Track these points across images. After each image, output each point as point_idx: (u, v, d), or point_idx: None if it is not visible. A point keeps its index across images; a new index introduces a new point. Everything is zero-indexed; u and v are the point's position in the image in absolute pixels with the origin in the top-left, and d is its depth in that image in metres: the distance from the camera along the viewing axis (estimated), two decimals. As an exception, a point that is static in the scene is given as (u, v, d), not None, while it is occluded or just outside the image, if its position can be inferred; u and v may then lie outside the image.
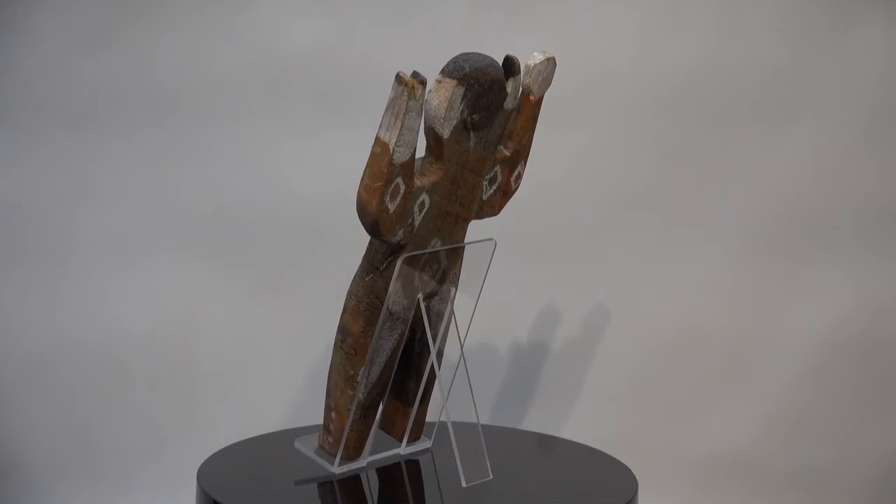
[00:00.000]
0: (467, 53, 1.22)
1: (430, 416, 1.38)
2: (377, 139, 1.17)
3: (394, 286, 1.22)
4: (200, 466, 1.30)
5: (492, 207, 1.31)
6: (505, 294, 1.72)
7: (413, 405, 1.33)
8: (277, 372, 1.73)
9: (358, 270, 1.24)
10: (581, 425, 1.74)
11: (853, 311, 1.73)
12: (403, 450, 1.35)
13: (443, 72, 1.21)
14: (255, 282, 1.73)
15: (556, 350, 1.75)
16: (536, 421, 1.73)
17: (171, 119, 1.71)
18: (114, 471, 1.71)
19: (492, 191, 1.30)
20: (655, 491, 1.70)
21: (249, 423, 1.64)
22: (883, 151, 1.72)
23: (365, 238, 1.24)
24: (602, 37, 1.71)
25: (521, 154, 1.31)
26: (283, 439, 1.38)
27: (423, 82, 1.17)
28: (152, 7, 1.69)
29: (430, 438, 1.37)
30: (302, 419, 1.67)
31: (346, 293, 1.25)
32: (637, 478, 1.33)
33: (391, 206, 1.18)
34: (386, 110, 1.17)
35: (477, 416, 1.29)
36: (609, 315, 1.74)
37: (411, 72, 1.18)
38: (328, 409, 1.26)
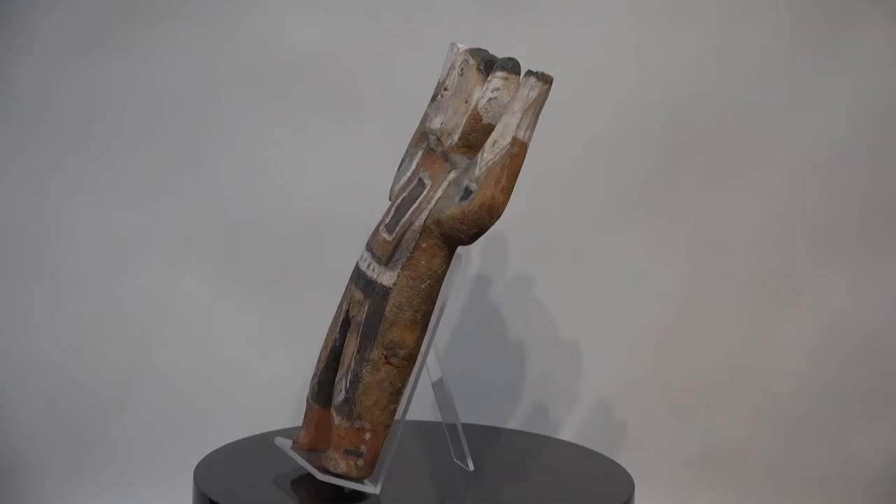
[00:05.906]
0: (485, 51, 1.22)
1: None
2: (515, 139, 1.15)
3: (447, 285, 1.22)
4: (197, 465, 1.31)
5: None
6: (500, 293, 1.72)
7: None
8: (276, 372, 1.73)
9: (403, 280, 1.19)
10: (578, 425, 1.74)
11: (853, 312, 1.73)
12: None
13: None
14: (255, 282, 1.73)
15: (553, 349, 1.75)
16: (533, 421, 1.73)
17: (171, 120, 1.71)
18: (113, 470, 1.72)
19: None
20: (653, 492, 1.70)
21: (248, 423, 1.64)
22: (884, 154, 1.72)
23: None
24: (600, 42, 1.71)
25: None
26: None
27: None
28: (152, 7, 1.69)
29: None
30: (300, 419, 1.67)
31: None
32: (634, 478, 1.33)
33: None
34: (526, 110, 1.15)
35: (455, 410, 1.29)
36: (607, 314, 1.74)
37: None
38: (360, 431, 1.20)
